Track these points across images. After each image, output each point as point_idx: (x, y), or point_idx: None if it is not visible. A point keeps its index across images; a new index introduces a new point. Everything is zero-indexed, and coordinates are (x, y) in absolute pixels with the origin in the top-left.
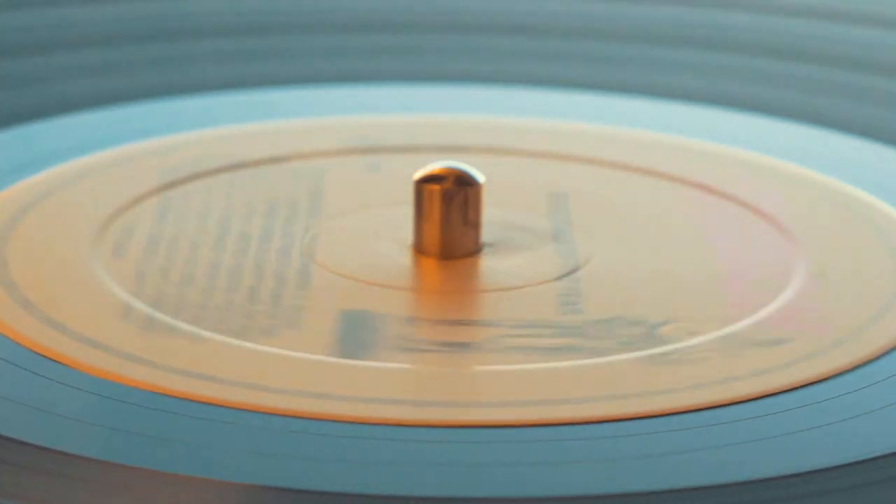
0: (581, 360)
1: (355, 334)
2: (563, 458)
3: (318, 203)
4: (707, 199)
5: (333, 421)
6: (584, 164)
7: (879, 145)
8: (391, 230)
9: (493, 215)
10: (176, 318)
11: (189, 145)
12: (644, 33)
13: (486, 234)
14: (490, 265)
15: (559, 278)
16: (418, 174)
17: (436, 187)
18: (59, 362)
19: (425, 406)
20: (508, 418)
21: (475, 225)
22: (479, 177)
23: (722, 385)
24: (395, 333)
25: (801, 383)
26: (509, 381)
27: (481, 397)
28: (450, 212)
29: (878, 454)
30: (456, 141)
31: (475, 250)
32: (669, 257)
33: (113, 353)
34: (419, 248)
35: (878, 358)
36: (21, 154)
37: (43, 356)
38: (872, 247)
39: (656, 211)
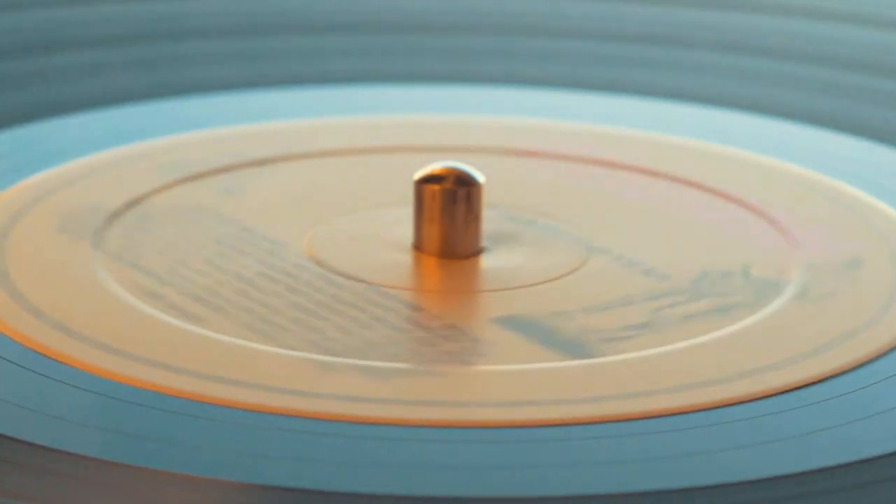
0: (751, 316)
1: (548, 336)
2: (564, 458)
3: (317, 203)
4: (707, 199)
5: (333, 421)
6: (584, 164)
7: (879, 145)
8: (391, 230)
9: (493, 215)
10: (179, 320)
11: (188, 146)
12: (644, 33)
13: (486, 233)
14: (493, 264)
15: (579, 267)
16: (418, 174)
17: (436, 187)
18: (59, 362)
19: (425, 406)
20: (508, 418)
21: (475, 225)
22: (479, 177)
23: (721, 385)
24: (579, 328)
25: (802, 383)
26: (509, 380)
27: (481, 397)
28: (450, 212)
29: (878, 454)
30: (456, 141)
31: (475, 250)
32: (674, 247)
33: (113, 352)
34: (419, 248)
35: (878, 358)
36: (21, 154)
37: (43, 355)
38: (872, 247)
39: (654, 209)
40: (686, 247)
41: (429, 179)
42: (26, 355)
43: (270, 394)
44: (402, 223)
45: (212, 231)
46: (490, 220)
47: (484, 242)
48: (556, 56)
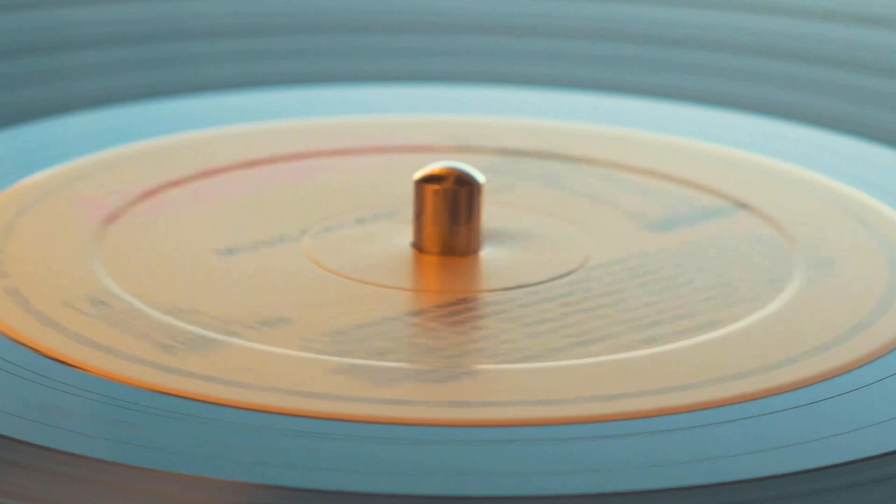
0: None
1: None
2: (563, 458)
3: (316, 203)
4: (706, 199)
5: (334, 420)
6: (585, 164)
7: (879, 145)
8: (391, 230)
9: (492, 215)
10: (177, 320)
11: (188, 146)
12: (644, 33)
13: (486, 233)
14: (491, 264)
15: (573, 271)
16: (418, 174)
17: (436, 187)
18: (59, 362)
19: (425, 406)
20: (509, 418)
21: (475, 224)
22: (479, 177)
23: (722, 385)
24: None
25: (802, 383)
26: (510, 380)
27: (481, 397)
28: (450, 211)
29: (877, 454)
30: (457, 141)
31: (475, 250)
32: (671, 248)
33: (112, 353)
34: (419, 248)
35: (878, 358)
36: (21, 154)
37: (43, 356)
38: (871, 247)
39: (654, 210)
40: (686, 247)
41: (429, 179)
42: (26, 356)
43: (270, 394)
44: (402, 223)
45: (211, 230)
46: (490, 219)
47: (484, 242)
48: (555, 56)
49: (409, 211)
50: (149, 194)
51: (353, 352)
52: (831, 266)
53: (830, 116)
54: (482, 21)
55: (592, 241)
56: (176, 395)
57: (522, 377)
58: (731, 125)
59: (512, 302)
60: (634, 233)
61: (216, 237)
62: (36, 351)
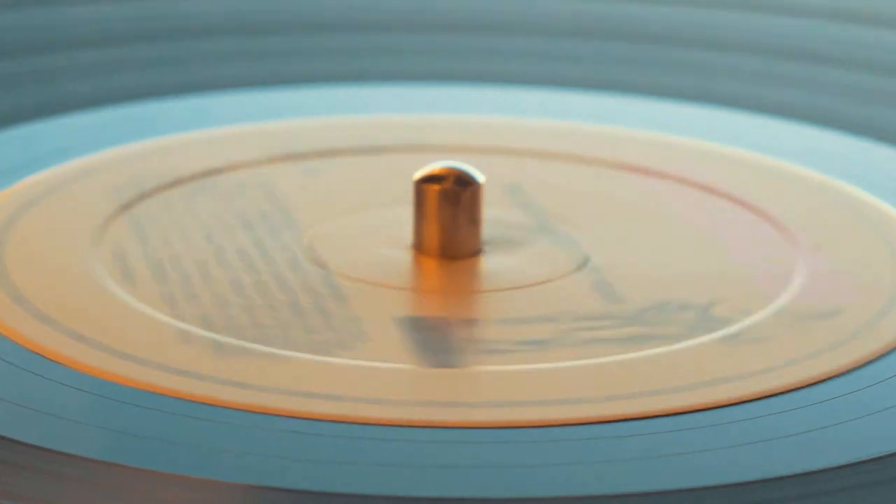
0: (658, 347)
1: (428, 340)
2: (564, 458)
3: (316, 203)
4: (707, 199)
5: (333, 421)
6: (584, 164)
7: (879, 145)
8: (391, 230)
9: (492, 215)
10: (177, 320)
11: (188, 146)
12: (644, 33)
13: (487, 233)
14: (491, 264)
15: (571, 273)
16: (418, 174)
17: (436, 187)
18: (59, 362)
19: (425, 406)
20: (508, 418)
21: (475, 225)
22: (479, 177)
23: (721, 385)
24: (464, 336)
25: (802, 383)
26: (509, 381)
27: (481, 397)
28: (450, 212)
29: (878, 454)
30: (456, 141)
31: (475, 250)
32: (672, 253)
33: (113, 353)
34: (419, 248)
35: (878, 358)
36: (21, 154)
37: (42, 356)
38: (872, 247)
39: (655, 210)
40: (678, 256)
41: (429, 179)
42: (26, 356)
43: (269, 394)
44: (402, 223)
45: (211, 231)
46: (490, 219)
47: (484, 243)
48: (555, 56)
49: (409, 211)
50: (149, 194)
51: (351, 352)
52: (832, 266)
53: (830, 116)
54: (482, 21)
55: (593, 242)
56: (176, 396)
57: (520, 377)
58: (730, 125)
59: (512, 302)
60: (634, 232)
61: (215, 238)
62: (35, 351)
